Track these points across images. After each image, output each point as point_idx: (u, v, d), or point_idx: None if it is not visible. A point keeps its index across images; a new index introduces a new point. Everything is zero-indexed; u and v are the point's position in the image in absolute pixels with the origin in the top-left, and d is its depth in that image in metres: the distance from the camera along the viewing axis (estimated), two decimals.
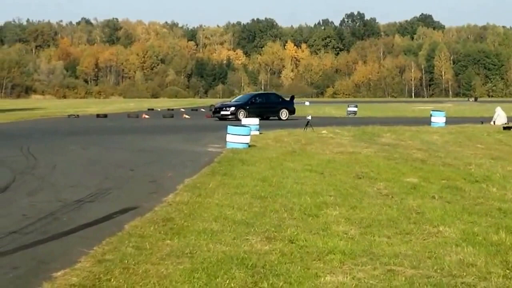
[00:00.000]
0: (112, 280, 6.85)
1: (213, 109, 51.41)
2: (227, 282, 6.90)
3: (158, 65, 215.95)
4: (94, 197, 12.23)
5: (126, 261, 7.55)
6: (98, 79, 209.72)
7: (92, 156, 21.00)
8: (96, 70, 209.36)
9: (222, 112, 48.55)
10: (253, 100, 50.75)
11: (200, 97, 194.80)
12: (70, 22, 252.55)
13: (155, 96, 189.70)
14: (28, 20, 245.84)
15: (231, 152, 21.13)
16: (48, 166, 17.16)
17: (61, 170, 16.55)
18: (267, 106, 50.33)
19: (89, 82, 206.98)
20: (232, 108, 48.84)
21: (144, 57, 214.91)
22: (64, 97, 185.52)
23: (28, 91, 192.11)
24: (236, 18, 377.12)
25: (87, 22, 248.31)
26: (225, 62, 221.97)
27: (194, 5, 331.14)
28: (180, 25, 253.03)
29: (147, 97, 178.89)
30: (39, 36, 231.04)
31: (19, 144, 24.01)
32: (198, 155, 21.06)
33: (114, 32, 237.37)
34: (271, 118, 48.66)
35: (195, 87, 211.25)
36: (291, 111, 50.94)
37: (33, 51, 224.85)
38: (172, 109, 76.47)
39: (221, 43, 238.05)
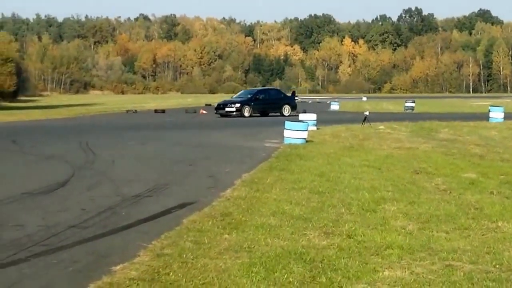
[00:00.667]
0: (171, 274, 6.88)
1: (216, 106, 49.57)
2: (285, 276, 6.89)
3: (215, 60, 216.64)
4: (153, 192, 12.30)
5: (184, 256, 7.58)
6: (155, 74, 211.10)
7: (151, 151, 21.14)
8: (154, 65, 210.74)
9: (227, 109, 47.09)
10: (257, 97, 49.48)
11: None
12: (128, 18, 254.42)
13: (212, 91, 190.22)
14: (86, 16, 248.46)
15: (289, 148, 21.12)
16: (106, 161, 17.32)
17: (120, 165, 16.68)
18: (270, 102, 49.34)
19: (147, 78, 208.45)
20: (237, 105, 47.40)
21: (201, 52, 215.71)
22: (122, 92, 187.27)
23: (86, 86, 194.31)
24: (294, 14, 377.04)
25: (145, 18, 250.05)
26: (282, 57, 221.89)
27: (252, 1, 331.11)
28: (237, 21, 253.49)
29: (204, 93, 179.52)
30: (98, 32, 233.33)
31: (78, 139, 24.28)
32: (255, 150, 21.07)
33: (172, 28, 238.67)
34: (270, 114, 47.95)
35: (252, 82, 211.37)
36: (293, 106, 49.80)
37: (92, 47, 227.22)
38: None
39: (279, 39, 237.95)
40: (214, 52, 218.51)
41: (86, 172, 15.20)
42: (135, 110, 62.20)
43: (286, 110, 48.68)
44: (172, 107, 72.98)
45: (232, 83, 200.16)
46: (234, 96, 51.92)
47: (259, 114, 47.46)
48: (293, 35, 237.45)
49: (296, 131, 23.18)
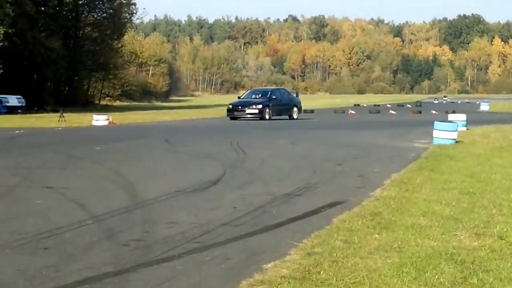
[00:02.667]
0: (322, 272, 6.92)
1: (229, 107, 44.52)
2: (436, 277, 6.82)
3: (364, 61, 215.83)
4: (302, 191, 12.38)
5: (335, 254, 7.61)
6: (304, 75, 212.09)
7: (300, 150, 21.25)
8: (302, 66, 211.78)
9: (249, 111, 42.86)
10: (273, 97, 44.84)
11: (406, 93, 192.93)
12: (278, 19, 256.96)
13: (361, 92, 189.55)
14: (236, 18, 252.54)
15: (438, 148, 20.84)
16: (256, 160, 17.52)
17: (270, 164, 16.84)
18: (282, 104, 45.25)
19: (296, 78, 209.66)
20: (260, 106, 43.05)
21: (350, 53, 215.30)
22: None
23: (236, 87, 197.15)
24: (442, 14, 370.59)
25: (294, 19, 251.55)
26: (431, 58, 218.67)
27: (400, 1, 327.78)
28: (386, 21, 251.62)
29: (353, 93, 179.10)
30: (248, 33, 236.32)
31: (229, 138, 24.66)
32: (404, 150, 20.88)
33: (320, 29, 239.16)
34: (278, 117, 44.22)
35: (401, 83, 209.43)
36: (300, 109, 46.92)
37: (242, 47, 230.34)
38: (378, 105, 76.22)
39: (427, 39, 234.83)
40: (363, 53, 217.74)
41: (237, 170, 15.42)
42: None
43: (295, 112, 46.02)
44: (320, 107, 73.06)
45: (381, 84, 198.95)
46: (242, 96, 47.12)
47: (275, 117, 43.75)
48: (442, 35, 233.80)
49: (445, 131, 22.88)
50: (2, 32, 59.16)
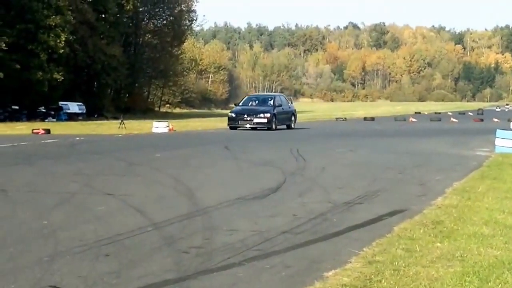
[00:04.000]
0: (383, 281, 6.85)
1: (230, 116, 40.50)
2: (499, 286, 6.69)
3: (424, 68, 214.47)
4: (363, 199, 12.29)
5: (396, 263, 7.52)
6: (365, 82, 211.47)
7: (360, 158, 21.14)
8: (363, 73, 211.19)
9: (257, 120, 38.91)
10: (277, 104, 40.77)
11: (467, 101, 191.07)
12: (338, 27, 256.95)
13: (421, 99, 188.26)
14: (296, 25, 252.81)
15: (500, 156, 20.54)
16: (317, 168, 17.47)
17: (330, 172, 16.78)
18: (285, 112, 41.54)
19: (356, 86, 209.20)
20: (267, 115, 39.17)
21: (410, 60, 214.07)
22: (332, 100, 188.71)
23: (296, 94, 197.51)
24: (504, 22, 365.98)
25: (354, 26, 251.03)
26: (492, 65, 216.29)
27: (462, 9, 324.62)
28: (447, 29, 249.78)
29: (413, 101, 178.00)
30: (307, 40, 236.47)
31: (288, 146, 24.67)
32: (465, 158, 20.63)
33: (381, 36, 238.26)
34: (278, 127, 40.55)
35: (462, 90, 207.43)
36: (296, 117, 43.39)
37: (301, 55, 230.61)
38: (439, 113, 75.58)
39: (489, 47, 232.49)
40: (423, 60, 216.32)
41: (297, 178, 15.38)
42: (345, 118, 62.53)
43: (293, 121, 42.50)
44: (381, 115, 72.69)
45: (442, 91, 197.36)
46: (241, 103, 42.50)
47: (279, 125, 40.43)
48: (504, 42, 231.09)
49: (508, 139, 22.53)
50: (63, 39, 60.01)
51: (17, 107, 59.47)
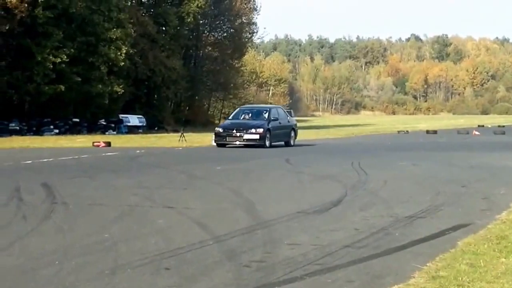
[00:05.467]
0: None
1: (217, 131, 34.94)
2: None
3: (488, 81, 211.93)
4: (426, 213, 12.12)
5: (460, 278, 7.37)
6: (427, 95, 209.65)
7: (422, 172, 20.89)
8: (425, 86, 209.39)
9: (248, 136, 33.48)
10: (272, 118, 35.09)
11: None
12: (400, 39, 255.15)
13: (485, 112, 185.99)
14: (358, 37, 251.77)
15: None
16: (378, 181, 17.31)
17: (392, 185, 16.60)
18: (282, 127, 35.92)
19: (418, 98, 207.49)
20: (260, 130, 33.77)
21: (474, 73, 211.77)
22: (393, 113, 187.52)
23: (357, 107, 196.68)
24: None
25: (417, 38, 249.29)
26: None
27: None
28: (511, 41, 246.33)
29: (476, 114, 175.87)
30: (369, 52, 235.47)
31: (350, 159, 24.55)
32: None
33: (443, 48, 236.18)
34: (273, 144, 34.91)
35: None
36: (296, 132, 37.84)
37: (363, 67, 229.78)
38: (503, 126, 74.58)
39: None
40: (487, 73, 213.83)
41: (359, 192, 15.26)
42: (407, 131, 62.12)
43: (292, 138, 36.96)
44: (443, 128, 72.02)
45: (505, 104, 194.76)
46: (231, 117, 37.39)
47: (274, 142, 34.99)
48: None
49: None
50: (124, 52, 60.64)
51: (77, 120, 60.19)
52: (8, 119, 54.15)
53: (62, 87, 56.02)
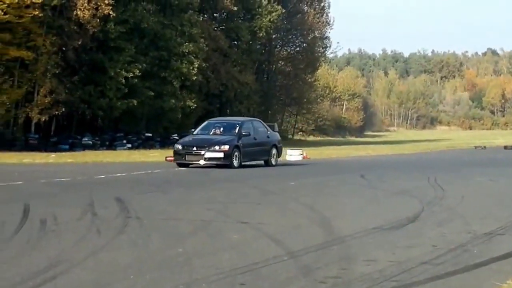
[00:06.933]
0: None
1: (176, 149, 30.19)
2: None
3: None
4: (505, 230, 11.84)
5: None
6: (504, 110, 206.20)
7: (500, 187, 20.55)
8: (502, 101, 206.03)
9: (210, 154, 28.69)
10: (243, 133, 30.31)
11: None
12: (476, 53, 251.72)
13: None
14: (433, 51, 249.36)
15: None
16: (455, 197, 17.01)
17: (469, 201, 16.31)
18: (258, 143, 30.88)
19: (495, 113, 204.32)
20: (226, 147, 28.93)
21: None
22: (470, 128, 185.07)
23: (433, 122, 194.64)
24: None
25: (493, 52, 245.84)
26: None
27: None
28: None
29: None
30: (444, 67, 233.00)
31: (425, 174, 24.25)
32: None
33: None
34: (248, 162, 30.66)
35: None
36: (280, 150, 32.71)
37: (438, 82, 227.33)
38: None
39: None
40: None
41: (435, 207, 15.01)
42: (484, 146, 61.33)
43: (274, 156, 31.85)
44: None
45: None
46: (197, 131, 31.68)
47: (246, 161, 30.38)
48: None
49: None
50: (196, 66, 60.97)
51: (150, 135, 60.66)
52: (81, 133, 54.96)
53: (135, 102, 56.57)
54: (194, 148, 29.04)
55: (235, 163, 29.02)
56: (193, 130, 32.75)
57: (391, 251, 9.88)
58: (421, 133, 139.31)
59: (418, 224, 12.66)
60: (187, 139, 31.12)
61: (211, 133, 30.62)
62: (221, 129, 30.72)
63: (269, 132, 32.19)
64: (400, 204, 16.04)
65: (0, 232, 11.11)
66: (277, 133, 33.42)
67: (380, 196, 18.11)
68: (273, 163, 31.47)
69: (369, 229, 11.81)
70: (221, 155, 28.66)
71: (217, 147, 28.77)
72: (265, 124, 33.46)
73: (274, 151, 31.67)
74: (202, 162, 28.82)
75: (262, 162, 31.40)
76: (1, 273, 8.23)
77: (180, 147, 29.73)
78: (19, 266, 8.60)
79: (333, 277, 8.16)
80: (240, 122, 31.49)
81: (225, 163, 28.58)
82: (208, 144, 28.96)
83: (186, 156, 29.08)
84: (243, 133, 30.10)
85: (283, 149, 34.37)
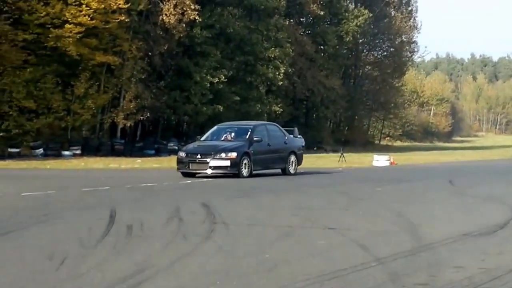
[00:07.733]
0: None
1: (180, 156, 27.18)
2: None
3: None
4: None
5: None
6: None
7: None
8: None
9: (215, 163, 25.89)
10: (255, 138, 27.45)
11: None
12: None
13: None
14: None
15: None
16: None
17: None
18: (272, 150, 28.07)
19: None
20: (233, 154, 26.11)
21: None
22: None
23: None
24: None
25: None
26: None
27: None
28: None
29: None
30: None
31: None
32: None
33: None
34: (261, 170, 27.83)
35: None
36: (300, 157, 29.86)
37: None
38: None
39: None
40: None
41: None
42: None
43: (292, 164, 28.91)
44: None
45: None
46: (204, 137, 28.80)
47: (259, 171, 27.60)
48: None
49: None
50: (282, 71, 60.98)
51: None
52: (166, 139, 55.41)
53: (221, 107, 56.81)
54: (198, 156, 26.33)
55: (244, 172, 26.25)
56: (199, 136, 30.37)
57: (480, 258, 9.72)
58: (510, 139, 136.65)
59: (508, 230, 12.42)
60: (191, 146, 28.63)
61: (222, 138, 27.87)
62: (232, 134, 27.93)
63: (286, 138, 29.38)
64: (490, 210, 15.78)
65: (87, 237, 11.26)
66: (298, 139, 30.67)
67: (468, 202, 17.86)
68: (291, 171, 28.64)
69: (458, 236, 11.64)
70: (227, 163, 25.99)
71: (223, 155, 26.09)
72: (282, 129, 30.41)
73: (292, 158, 28.84)
74: (209, 171, 26.02)
75: (279, 170, 28.71)
76: (88, 279, 8.35)
77: (183, 154, 26.96)
78: (106, 271, 8.71)
79: (422, 284, 8.07)
80: (252, 127, 28.49)
81: (232, 172, 26.01)
82: (214, 151, 26.27)
83: (190, 164, 26.37)
84: (255, 139, 27.32)
85: (370, 154, 34.03)
